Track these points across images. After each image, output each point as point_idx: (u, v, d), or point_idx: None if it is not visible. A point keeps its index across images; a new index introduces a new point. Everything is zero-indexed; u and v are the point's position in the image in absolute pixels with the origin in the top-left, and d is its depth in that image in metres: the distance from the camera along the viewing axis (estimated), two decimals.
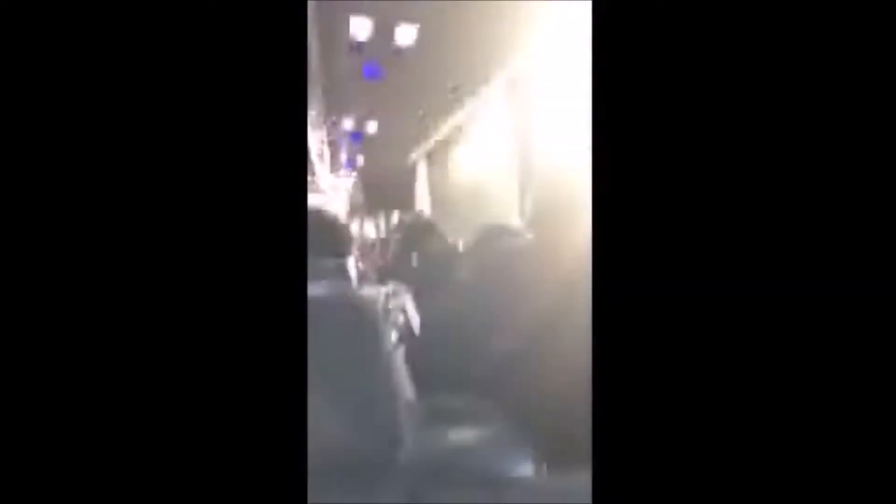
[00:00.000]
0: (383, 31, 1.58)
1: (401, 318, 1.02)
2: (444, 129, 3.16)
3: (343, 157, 4.10)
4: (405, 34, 1.59)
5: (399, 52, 1.70)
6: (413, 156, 3.94)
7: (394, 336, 0.46)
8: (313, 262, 0.52)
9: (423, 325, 1.05)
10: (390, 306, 1.06)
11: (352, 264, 0.75)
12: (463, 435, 0.45)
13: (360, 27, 1.54)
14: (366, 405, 0.40)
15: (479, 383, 0.58)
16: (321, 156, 4.31)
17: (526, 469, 0.43)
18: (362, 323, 0.42)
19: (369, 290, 0.45)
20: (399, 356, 0.65)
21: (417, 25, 1.54)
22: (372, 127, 2.96)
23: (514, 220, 1.38)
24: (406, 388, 0.65)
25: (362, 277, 1.43)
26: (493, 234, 1.27)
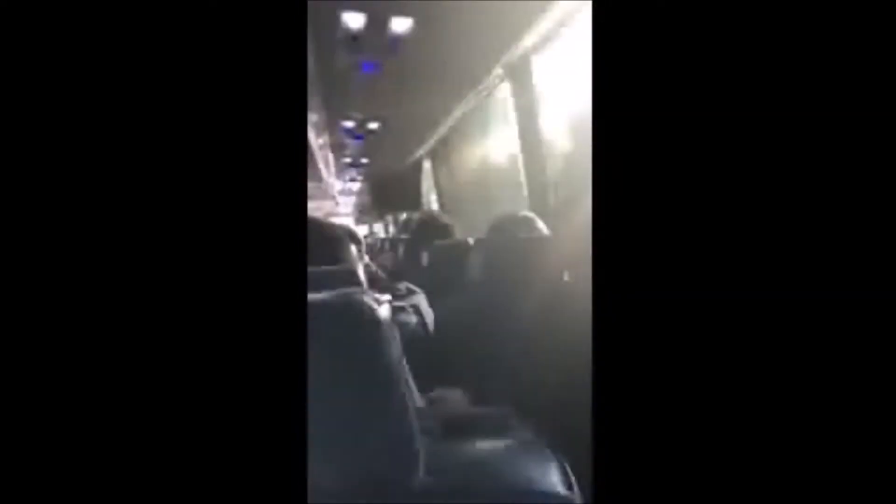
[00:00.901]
0: (377, 24, 1.54)
1: (414, 319, 0.99)
2: (447, 124, 3.12)
3: (347, 160, 4.08)
4: (399, 25, 1.55)
5: (396, 41, 1.66)
6: (418, 153, 3.91)
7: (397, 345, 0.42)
8: (318, 272, 0.49)
9: (437, 323, 1.02)
10: (403, 304, 1.02)
11: (360, 271, 0.72)
12: (483, 448, 0.41)
13: (354, 21, 1.51)
14: (369, 422, 0.37)
15: (497, 385, 0.54)
16: (327, 162, 4.30)
17: (554, 483, 0.39)
18: (360, 328, 0.38)
19: (369, 296, 0.41)
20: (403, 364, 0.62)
21: (411, 18, 1.51)
22: (373, 125, 2.93)
23: (525, 212, 1.34)
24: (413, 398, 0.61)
25: (374, 281, 1.40)
26: (505, 225, 1.23)
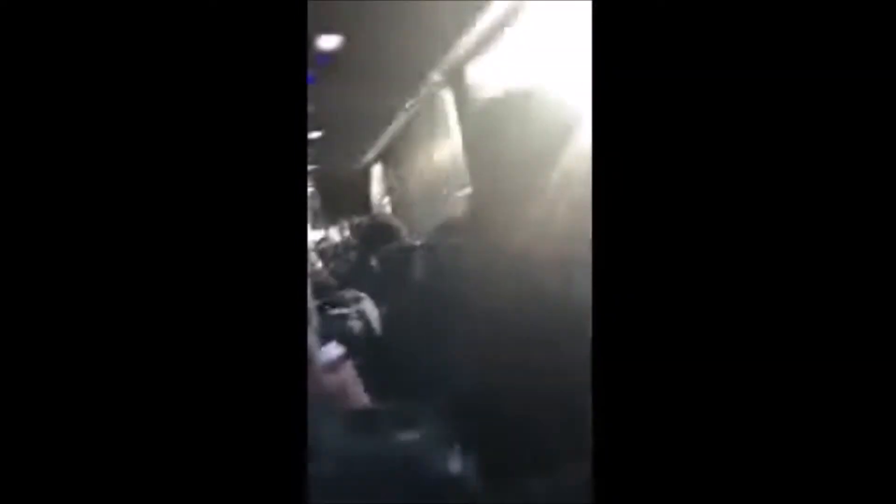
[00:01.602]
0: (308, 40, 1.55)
1: (358, 325, 1.01)
2: (391, 130, 3.14)
3: None
4: (328, 41, 1.57)
5: (326, 56, 1.67)
6: (365, 159, 3.91)
7: (336, 350, 0.44)
8: None
9: (383, 325, 1.04)
10: (347, 311, 1.04)
11: None
12: (389, 441, 0.43)
13: None
14: None
15: (433, 385, 0.57)
16: None
17: (457, 472, 0.42)
18: None
19: None
20: (348, 366, 0.64)
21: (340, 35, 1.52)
22: (315, 134, 2.91)
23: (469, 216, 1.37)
24: (358, 397, 0.64)
25: (322, 289, 1.41)
26: (447, 230, 1.27)
